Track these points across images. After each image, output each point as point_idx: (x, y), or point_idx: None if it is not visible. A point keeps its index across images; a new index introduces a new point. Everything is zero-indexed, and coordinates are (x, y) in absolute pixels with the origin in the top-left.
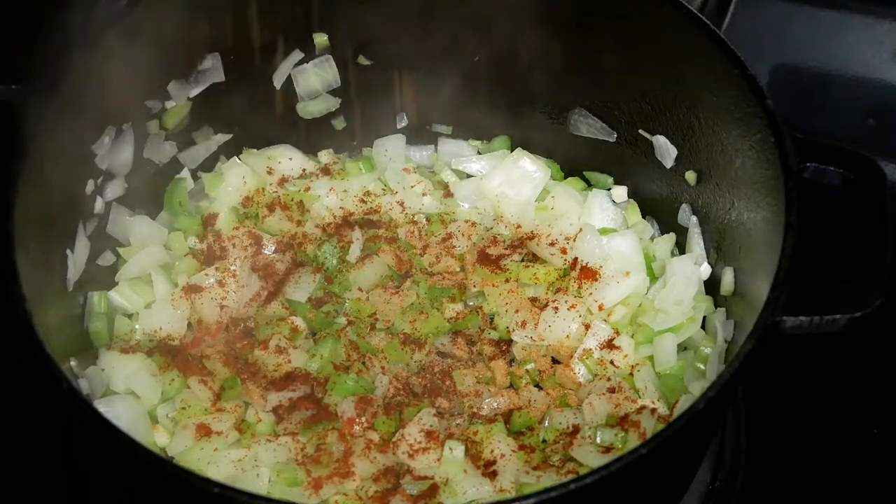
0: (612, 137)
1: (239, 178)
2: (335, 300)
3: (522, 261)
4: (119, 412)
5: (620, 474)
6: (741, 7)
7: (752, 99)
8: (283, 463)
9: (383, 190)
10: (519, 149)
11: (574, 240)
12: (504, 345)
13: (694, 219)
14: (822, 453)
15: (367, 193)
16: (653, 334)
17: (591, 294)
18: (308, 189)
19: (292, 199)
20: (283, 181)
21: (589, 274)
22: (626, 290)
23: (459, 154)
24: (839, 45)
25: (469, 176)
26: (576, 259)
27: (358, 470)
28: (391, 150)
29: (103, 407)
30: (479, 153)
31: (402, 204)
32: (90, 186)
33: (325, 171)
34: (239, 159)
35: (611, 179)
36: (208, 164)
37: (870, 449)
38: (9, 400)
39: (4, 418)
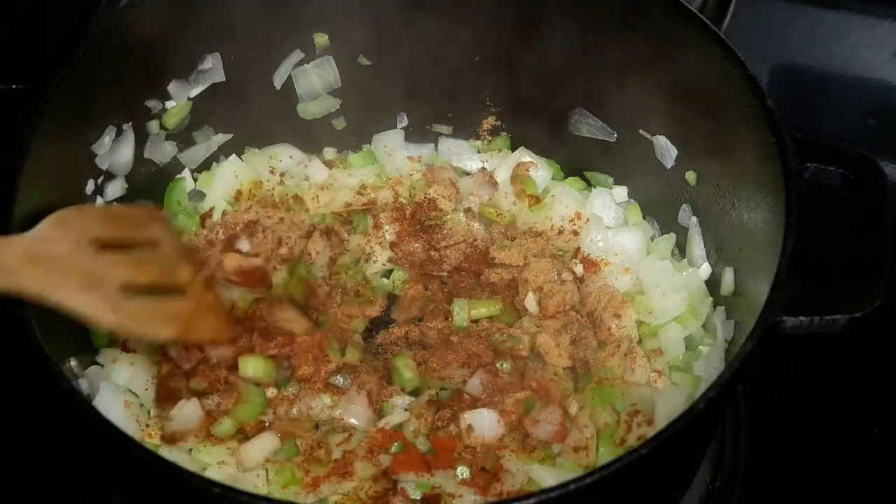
0: (612, 137)
1: (230, 173)
2: None
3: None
4: (119, 412)
5: (620, 474)
6: (741, 7)
7: (752, 99)
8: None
9: (382, 184)
10: (520, 148)
11: (578, 222)
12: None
13: (694, 219)
14: (822, 453)
15: (364, 186)
16: (650, 330)
17: None
18: (307, 185)
19: (291, 196)
20: (283, 179)
21: (591, 265)
22: (624, 287)
23: (459, 153)
24: (839, 45)
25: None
26: (578, 248)
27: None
28: (390, 144)
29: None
30: (479, 153)
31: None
32: (90, 186)
33: (327, 166)
34: (241, 159)
35: (611, 179)
36: (208, 165)
37: (870, 449)
38: (9, 400)
39: (4, 418)
